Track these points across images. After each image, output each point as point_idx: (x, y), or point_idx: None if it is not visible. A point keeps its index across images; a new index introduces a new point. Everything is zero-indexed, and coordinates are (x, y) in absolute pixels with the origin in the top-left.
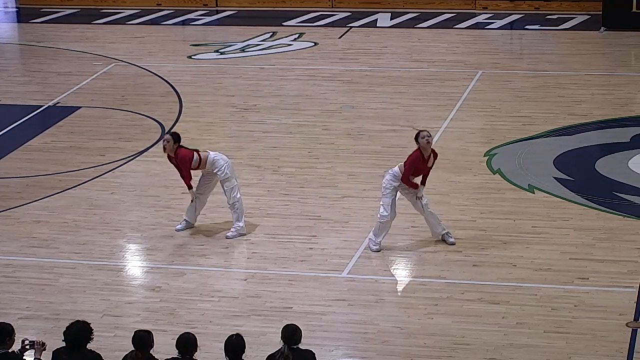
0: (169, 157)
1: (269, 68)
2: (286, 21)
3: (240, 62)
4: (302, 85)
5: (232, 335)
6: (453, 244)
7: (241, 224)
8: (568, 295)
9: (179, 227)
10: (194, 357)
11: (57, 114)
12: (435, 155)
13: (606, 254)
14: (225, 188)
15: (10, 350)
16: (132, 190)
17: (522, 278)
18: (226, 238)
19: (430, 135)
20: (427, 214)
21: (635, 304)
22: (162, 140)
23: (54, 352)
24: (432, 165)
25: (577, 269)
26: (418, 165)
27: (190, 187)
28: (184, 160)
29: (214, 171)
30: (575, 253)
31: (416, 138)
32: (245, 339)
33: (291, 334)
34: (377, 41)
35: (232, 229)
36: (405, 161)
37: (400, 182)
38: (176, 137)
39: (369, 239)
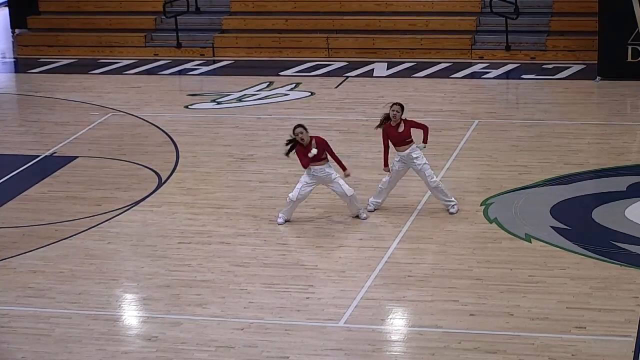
0: (300, 148)
1: (265, 118)
2: (282, 71)
3: (237, 111)
4: None
5: None
6: (452, 213)
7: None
8: (565, 345)
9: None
10: None
11: (54, 163)
12: (407, 124)
13: (603, 303)
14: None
15: None
16: (129, 240)
17: (519, 327)
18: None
19: (397, 111)
20: (433, 189)
21: (632, 353)
22: (296, 134)
23: None
24: (405, 132)
25: (574, 318)
26: (387, 130)
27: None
28: (326, 142)
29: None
30: (572, 302)
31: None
32: None
33: None
34: (373, 91)
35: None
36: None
37: (400, 158)
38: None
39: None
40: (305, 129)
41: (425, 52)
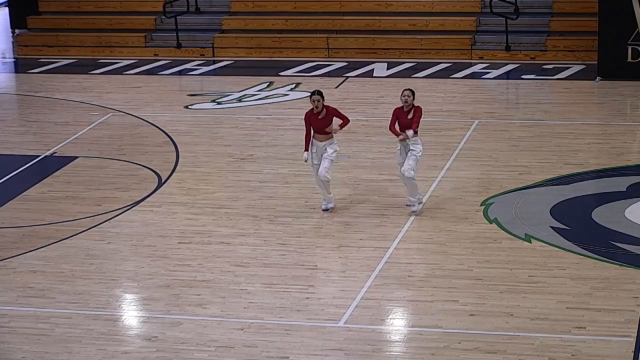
0: (312, 116)
1: (265, 118)
2: (283, 71)
3: (237, 111)
4: (299, 135)
5: None
6: (413, 212)
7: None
8: (565, 345)
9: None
10: None
11: (54, 163)
12: (418, 111)
13: (603, 303)
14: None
15: None
16: (129, 240)
17: (519, 327)
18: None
19: (408, 96)
20: (405, 177)
21: (632, 353)
22: (312, 100)
23: None
24: (415, 119)
25: (574, 318)
26: (397, 113)
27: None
28: (337, 110)
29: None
30: (572, 302)
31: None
32: None
33: None
34: (373, 91)
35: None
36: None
37: (400, 141)
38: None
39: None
40: (323, 97)
41: (425, 52)
